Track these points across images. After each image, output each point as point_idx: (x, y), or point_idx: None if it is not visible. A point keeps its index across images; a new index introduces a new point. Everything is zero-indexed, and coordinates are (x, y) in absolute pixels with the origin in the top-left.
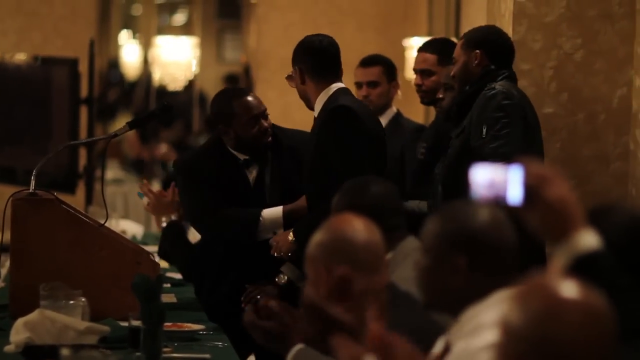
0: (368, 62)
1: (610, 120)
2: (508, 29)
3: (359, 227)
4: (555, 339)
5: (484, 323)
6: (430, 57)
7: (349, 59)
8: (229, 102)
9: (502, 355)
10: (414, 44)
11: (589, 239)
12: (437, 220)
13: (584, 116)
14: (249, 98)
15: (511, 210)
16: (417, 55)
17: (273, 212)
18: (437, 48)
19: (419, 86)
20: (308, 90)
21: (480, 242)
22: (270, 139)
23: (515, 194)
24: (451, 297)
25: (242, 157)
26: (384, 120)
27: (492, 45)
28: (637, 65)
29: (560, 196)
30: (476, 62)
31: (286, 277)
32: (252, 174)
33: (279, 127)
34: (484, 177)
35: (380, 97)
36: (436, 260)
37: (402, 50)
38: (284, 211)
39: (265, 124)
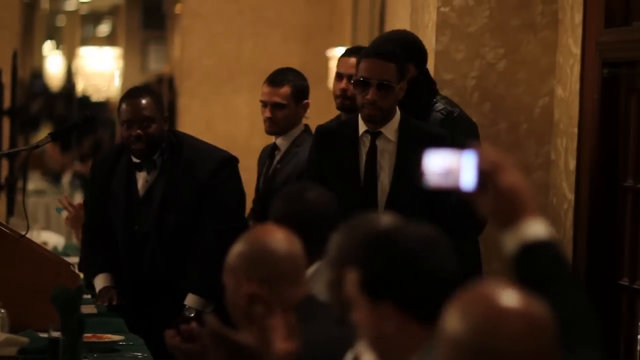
0: (276, 81)
1: (532, 130)
2: (431, 39)
3: (279, 238)
4: (496, 348)
5: None
6: None
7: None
8: (119, 104)
9: None
10: (338, 54)
11: (538, 227)
12: (340, 233)
13: (506, 126)
14: (126, 103)
15: (465, 196)
16: (344, 60)
17: (100, 281)
18: None
19: (344, 91)
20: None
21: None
22: (141, 146)
23: (468, 180)
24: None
25: (135, 160)
26: (286, 141)
27: (421, 54)
28: (559, 75)
29: (513, 183)
30: (409, 75)
31: (193, 309)
32: (142, 179)
33: (188, 137)
34: (438, 163)
35: (286, 119)
36: (338, 275)
37: (326, 60)
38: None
39: (135, 132)
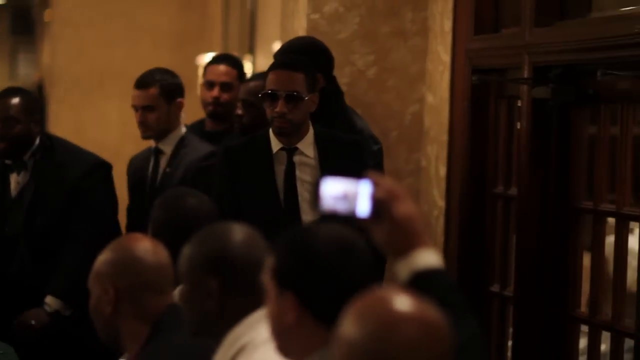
0: (143, 83)
1: (402, 137)
2: None
3: (147, 247)
4: (391, 354)
5: (250, 342)
6: (232, 71)
7: None
8: None
9: None
10: (206, 60)
11: (429, 257)
12: (191, 244)
13: (377, 133)
14: None
15: (360, 224)
16: (214, 67)
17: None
18: (236, 63)
19: (216, 99)
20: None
21: (231, 264)
22: (2, 146)
23: (363, 207)
24: (209, 322)
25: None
26: (169, 144)
27: (329, 63)
28: (429, 82)
29: (407, 213)
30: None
31: (52, 308)
32: (14, 180)
33: (62, 140)
34: (334, 189)
35: (158, 121)
36: (192, 285)
37: (196, 67)
38: None
39: None
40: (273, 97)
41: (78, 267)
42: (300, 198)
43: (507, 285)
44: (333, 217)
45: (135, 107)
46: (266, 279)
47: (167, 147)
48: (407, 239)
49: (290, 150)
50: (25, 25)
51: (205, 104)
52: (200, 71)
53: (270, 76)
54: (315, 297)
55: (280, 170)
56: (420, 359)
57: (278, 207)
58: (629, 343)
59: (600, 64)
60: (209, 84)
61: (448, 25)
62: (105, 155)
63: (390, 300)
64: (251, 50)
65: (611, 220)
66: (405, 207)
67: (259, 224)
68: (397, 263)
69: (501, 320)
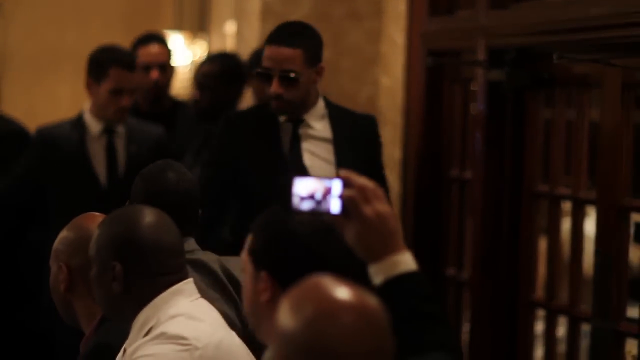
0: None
1: None
2: (255, 27)
3: None
4: (329, 343)
5: (156, 323)
6: (165, 50)
7: None
8: None
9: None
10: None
11: (405, 262)
12: (99, 227)
13: None
14: None
15: (332, 224)
16: (146, 49)
17: None
18: (164, 41)
19: (156, 82)
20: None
21: (135, 248)
22: None
23: (335, 206)
24: (117, 304)
25: None
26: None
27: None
28: (383, 64)
29: (379, 213)
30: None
31: None
32: None
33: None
34: (305, 188)
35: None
36: (99, 269)
37: None
38: None
39: None
40: (267, 76)
41: None
42: (310, 171)
43: (463, 269)
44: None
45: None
46: (244, 257)
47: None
48: (380, 241)
49: (296, 122)
50: None
51: (145, 89)
52: None
53: (266, 52)
54: (289, 277)
55: (286, 143)
56: (359, 349)
57: (282, 174)
58: (585, 328)
59: (555, 48)
60: (145, 67)
61: (402, 7)
62: None
63: (328, 288)
64: (204, 28)
65: (567, 204)
66: (377, 207)
67: (265, 193)
68: (371, 267)
69: (457, 304)
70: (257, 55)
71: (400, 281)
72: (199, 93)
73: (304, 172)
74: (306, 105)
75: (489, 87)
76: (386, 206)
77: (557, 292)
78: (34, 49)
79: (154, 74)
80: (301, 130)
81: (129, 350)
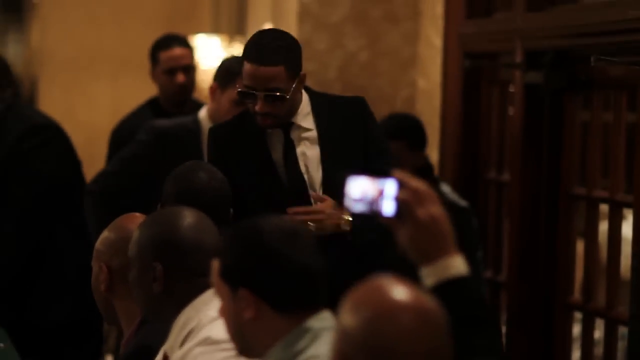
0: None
1: None
2: (293, 29)
3: None
4: (388, 344)
5: (197, 325)
6: (188, 52)
7: (136, 58)
8: None
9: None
10: (198, 42)
11: (457, 265)
12: (139, 228)
13: None
14: None
15: (386, 226)
16: (169, 52)
17: None
18: (187, 42)
19: (182, 86)
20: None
21: (176, 249)
22: None
23: (388, 208)
24: (157, 305)
25: None
26: None
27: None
28: (420, 66)
29: (433, 216)
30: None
31: None
32: None
33: (23, 107)
34: (358, 189)
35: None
36: (140, 270)
37: None
38: None
39: None
40: (251, 95)
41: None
42: (306, 176)
43: (500, 271)
44: (361, 217)
45: (174, 69)
46: (216, 280)
47: None
48: (433, 244)
49: (286, 126)
50: (14, 6)
51: (171, 93)
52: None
53: (246, 68)
54: (270, 288)
55: (277, 150)
56: (417, 348)
57: (280, 188)
58: (622, 330)
59: (593, 50)
60: (169, 71)
61: (440, 8)
62: (95, 136)
63: (387, 289)
64: (242, 31)
65: (604, 207)
66: (431, 210)
67: (261, 211)
68: (423, 269)
69: (494, 306)
70: (225, 68)
71: (451, 284)
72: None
73: (301, 181)
74: (293, 109)
75: (526, 89)
76: (440, 209)
77: (594, 294)
78: (72, 50)
79: (180, 78)
80: (293, 134)
81: (173, 356)
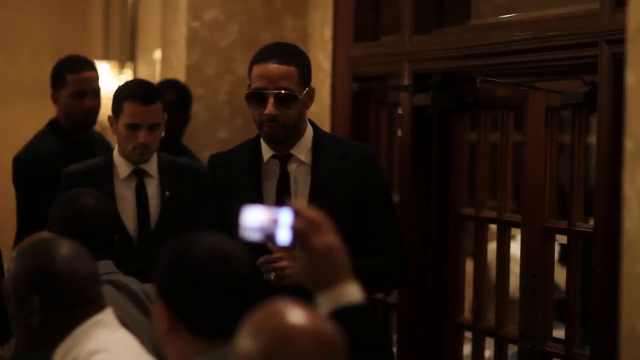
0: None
1: None
2: (182, 55)
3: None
4: None
5: (77, 357)
6: None
7: (26, 84)
8: None
9: None
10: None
11: (352, 293)
12: (14, 260)
13: None
14: None
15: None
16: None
17: None
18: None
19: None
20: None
21: (52, 281)
22: None
23: (284, 236)
24: (33, 337)
25: None
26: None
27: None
28: None
29: (328, 244)
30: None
31: None
32: None
33: None
34: (253, 218)
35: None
36: (17, 302)
37: None
38: None
39: None
40: (260, 97)
41: None
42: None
43: (391, 292)
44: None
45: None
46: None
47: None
48: (328, 272)
49: (283, 158)
50: None
51: (79, 117)
52: None
53: (256, 71)
54: (185, 308)
55: (271, 182)
56: None
57: None
58: (512, 349)
59: (479, 71)
60: (78, 94)
61: (328, 33)
62: None
63: (285, 313)
64: (132, 57)
65: (493, 227)
66: (326, 238)
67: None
68: (319, 296)
69: (385, 327)
70: (114, 96)
71: (346, 311)
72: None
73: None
74: (297, 134)
75: (414, 111)
76: (335, 237)
77: (484, 313)
78: None
79: (89, 101)
80: (290, 167)
81: None
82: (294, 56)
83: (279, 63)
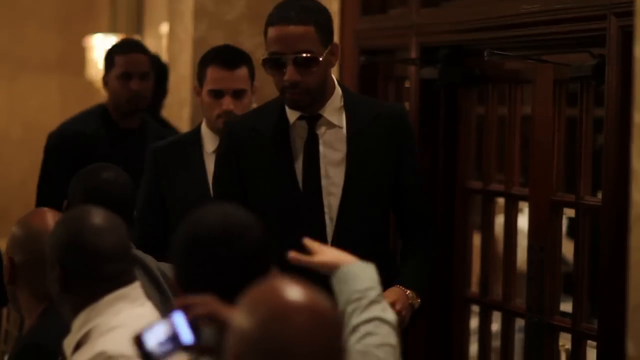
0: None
1: None
2: (189, 28)
3: (48, 222)
4: (284, 343)
5: (95, 328)
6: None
7: (33, 58)
8: None
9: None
10: (95, 43)
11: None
12: (53, 227)
13: None
14: None
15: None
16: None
17: None
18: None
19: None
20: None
21: (73, 249)
22: None
23: (187, 337)
24: (59, 303)
25: None
26: None
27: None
28: None
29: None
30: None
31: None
32: None
33: None
34: (154, 337)
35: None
36: (49, 267)
37: (83, 49)
38: None
39: None
40: (278, 62)
41: None
42: (325, 181)
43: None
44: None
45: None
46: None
47: None
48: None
49: (312, 118)
50: None
51: (124, 100)
52: (89, 52)
53: (271, 34)
54: (196, 287)
55: (299, 145)
56: (312, 348)
57: (296, 193)
58: (519, 322)
59: (487, 44)
60: (124, 76)
61: (335, 5)
62: None
63: (282, 290)
64: (139, 30)
65: (501, 200)
66: (226, 312)
67: (272, 214)
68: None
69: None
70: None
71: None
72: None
73: (317, 187)
74: (324, 95)
75: (421, 84)
76: (228, 309)
77: (491, 287)
78: None
79: (135, 84)
80: (319, 129)
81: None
82: (311, 13)
83: (296, 23)
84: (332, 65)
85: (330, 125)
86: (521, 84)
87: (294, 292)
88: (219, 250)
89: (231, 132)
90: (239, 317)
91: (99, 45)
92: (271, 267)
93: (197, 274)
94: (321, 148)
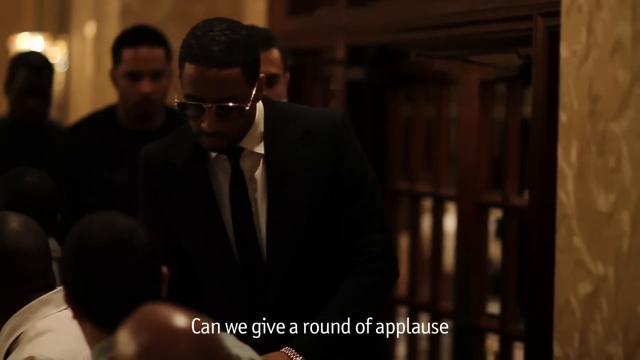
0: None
1: None
2: (116, 29)
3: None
4: None
5: (25, 334)
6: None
7: None
8: None
9: None
10: (21, 41)
11: None
12: None
13: None
14: None
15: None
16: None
17: None
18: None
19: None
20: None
21: None
22: None
23: None
24: None
25: None
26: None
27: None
28: None
29: None
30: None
31: None
32: None
33: None
34: None
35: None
36: None
37: (7, 50)
38: None
39: None
40: (198, 108)
41: None
42: (257, 219)
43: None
44: None
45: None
46: None
47: None
48: None
49: (234, 153)
50: None
51: (132, 103)
52: (12, 50)
53: (189, 71)
54: (82, 296)
55: (224, 181)
56: None
57: (227, 249)
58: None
59: (415, 45)
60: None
61: (262, 5)
62: None
63: (164, 316)
64: (64, 29)
65: (428, 202)
66: None
67: (203, 265)
68: None
69: None
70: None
71: None
72: (36, 101)
73: (250, 229)
74: (247, 127)
75: (348, 85)
76: None
77: (418, 289)
78: None
79: (145, 86)
80: (243, 164)
81: None
82: (238, 49)
83: (219, 65)
84: (259, 100)
85: (256, 155)
86: (448, 84)
87: (177, 318)
88: (108, 259)
89: (147, 161)
90: (122, 342)
91: (25, 44)
92: (162, 272)
93: (87, 283)
94: (248, 184)
